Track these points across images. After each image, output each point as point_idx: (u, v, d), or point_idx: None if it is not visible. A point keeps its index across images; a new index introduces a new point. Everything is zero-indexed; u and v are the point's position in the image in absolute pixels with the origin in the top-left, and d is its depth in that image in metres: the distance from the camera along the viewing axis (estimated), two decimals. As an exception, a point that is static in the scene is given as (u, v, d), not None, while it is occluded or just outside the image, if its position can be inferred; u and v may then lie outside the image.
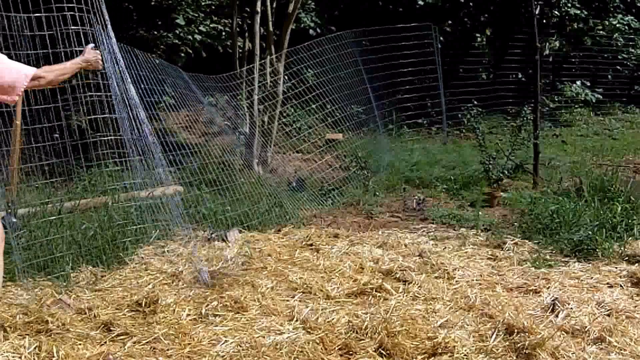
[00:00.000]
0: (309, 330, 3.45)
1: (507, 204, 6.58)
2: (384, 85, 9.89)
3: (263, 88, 8.17)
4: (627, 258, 4.73)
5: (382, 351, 3.21)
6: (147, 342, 3.28)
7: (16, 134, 4.81)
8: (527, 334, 3.29)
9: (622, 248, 4.86)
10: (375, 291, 4.00)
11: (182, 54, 9.91)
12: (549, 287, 4.13)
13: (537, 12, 8.72)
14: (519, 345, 3.21)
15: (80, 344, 3.26)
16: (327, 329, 3.44)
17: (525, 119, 7.84)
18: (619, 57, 13.96)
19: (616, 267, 4.56)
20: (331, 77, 7.95)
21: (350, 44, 8.67)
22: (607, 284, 4.26)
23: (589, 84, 13.52)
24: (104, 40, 4.50)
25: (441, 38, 12.93)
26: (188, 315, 3.62)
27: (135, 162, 4.76)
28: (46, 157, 4.85)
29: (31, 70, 3.33)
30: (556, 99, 13.25)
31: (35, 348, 3.16)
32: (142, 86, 5.17)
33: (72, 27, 4.34)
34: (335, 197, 6.87)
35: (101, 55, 3.76)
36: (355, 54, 8.75)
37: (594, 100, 13.21)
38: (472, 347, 3.25)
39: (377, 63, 9.80)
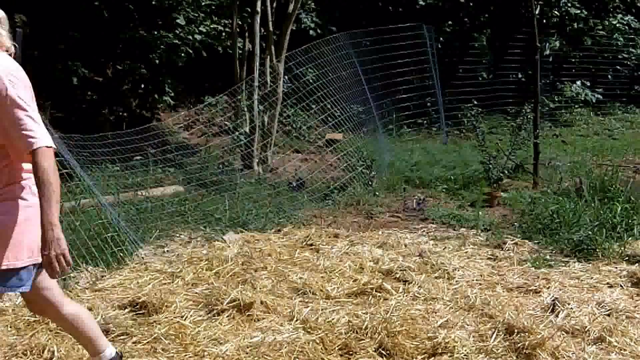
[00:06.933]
0: (309, 330, 3.44)
1: (507, 204, 6.57)
2: (382, 85, 9.89)
3: (263, 88, 8.18)
4: (627, 258, 4.73)
5: (382, 351, 3.20)
6: (147, 342, 3.28)
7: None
8: (527, 334, 3.29)
9: (622, 248, 4.86)
10: (375, 291, 3.99)
11: (182, 54, 9.91)
12: (549, 287, 4.13)
13: (537, 12, 8.72)
14: (519, 345, 3.21)
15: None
16: (327, 329, 3.44)
17: (525, 118, 7.84)
18: (619, 57, 13.98)
19: (616, 267, 4.56)
20: (331, 79, 7.95)
21: (346, 45, 8.67)
22: (607, 284, 4.26)
23: (589, 84, 13.53)
24: None
25: (441, 38, 12.94)
26: (188, 315, 3.62)
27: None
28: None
29: None
30: (556, 99, 13.26)
31: (35, 347, 3.16)
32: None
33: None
34: (336, 197, 6.86)
35: None
36: (351, 55, 8.76)
37: (594, 100, 13.22)
38: (472, 347, 3.25)
39: (375, 63, 9.80)
